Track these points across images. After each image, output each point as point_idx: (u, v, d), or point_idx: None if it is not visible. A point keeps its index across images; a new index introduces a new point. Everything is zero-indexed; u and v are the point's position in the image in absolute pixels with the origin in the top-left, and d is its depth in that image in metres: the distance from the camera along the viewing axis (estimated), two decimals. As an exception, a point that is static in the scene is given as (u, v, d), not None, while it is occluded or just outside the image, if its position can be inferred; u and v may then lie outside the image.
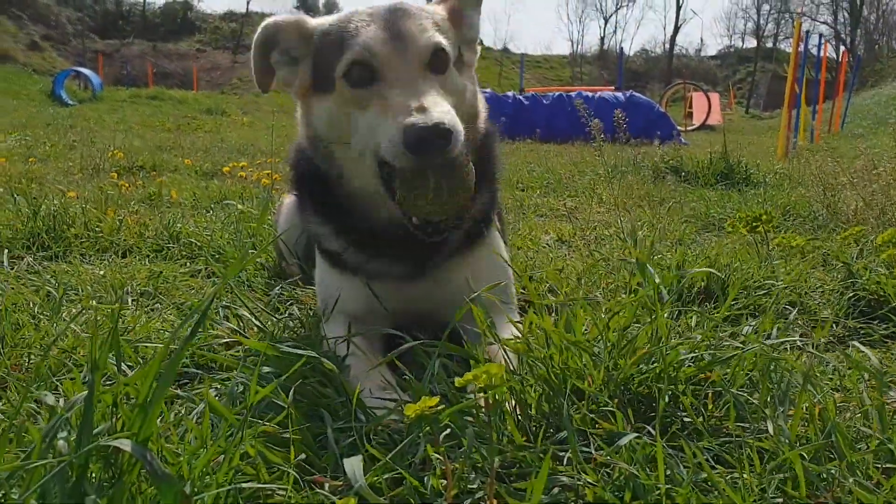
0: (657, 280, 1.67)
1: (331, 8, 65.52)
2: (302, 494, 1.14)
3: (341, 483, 1.17)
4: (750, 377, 1.52)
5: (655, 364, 1.44)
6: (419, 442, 1.21)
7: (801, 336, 2.05)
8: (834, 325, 2.13)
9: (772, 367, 1.48)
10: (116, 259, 2.97)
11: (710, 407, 1.43)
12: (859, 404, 1.45)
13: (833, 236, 3.25)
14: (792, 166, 6.26)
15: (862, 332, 2.12)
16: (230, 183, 5.39)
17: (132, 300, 2.35)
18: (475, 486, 1.16)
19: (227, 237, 3.21)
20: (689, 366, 1.48)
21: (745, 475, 1.17)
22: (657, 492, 1.12)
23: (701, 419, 1.37)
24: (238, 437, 1.09)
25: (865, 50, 50.12)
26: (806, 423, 1.33)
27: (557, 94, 15.05)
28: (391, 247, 1.76)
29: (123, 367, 1.51)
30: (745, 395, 1.43)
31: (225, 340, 1.82)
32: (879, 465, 1.22)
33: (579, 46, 74.18)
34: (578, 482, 1.16)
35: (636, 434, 1.22)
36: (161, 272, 2.66)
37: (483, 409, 1.24)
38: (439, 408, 1.12)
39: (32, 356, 1.75)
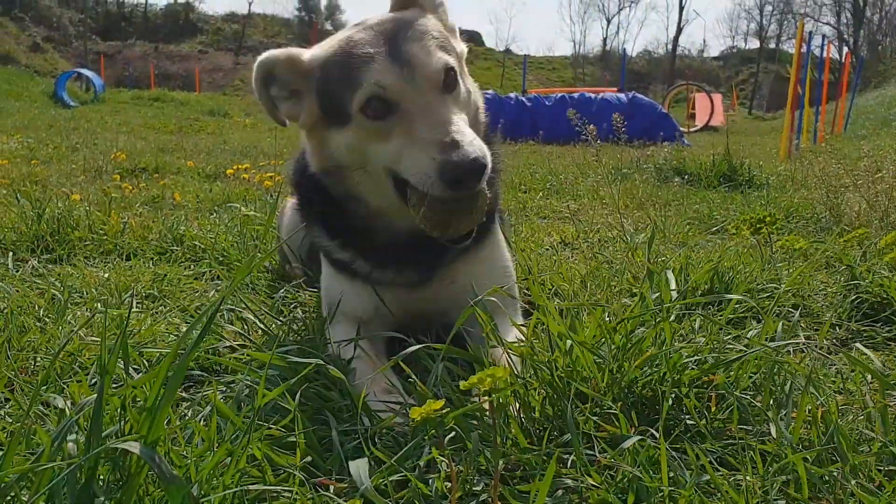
0: (673, 287, 1.67)
1: (332, 10, 65.64)
2: (308, 497, 1.15)
3: (347, 485, 1.17)
4: (753, 380, 1.52)
5: (659, 367, 1.45)
6: (424, 445, 1.22)
7: (804, 339, 2.05)
8: (837, 328, 2.13)
9: (775, 369, 1.49)
10: (120, 262, 2.98)
11: (713, 409, 1.43)
12: (862, 407, 1.45)
13: (836, 239, 3.25)
14: (795, 168, 6.25)
15: (865, 334, 2.12)
16: (233, 185, 5.40)
17: (137, 303, 2.36)
18: (479, 488, 1.17)
19: (230, 240, 3.22)
20: (693, 368, 1.49)
21: (747, 477, 1.18)
22: (660, 494, 1.13)
23: (704, 422, 1.38)
24: (244, 440, 1.10)
25: (868, 51, 50.06)
26: (808, 426, 1.34)
27: (560, 95, 15.04)
28: (401, 256, 1.77)
29: (130, 370, 1.52)
30: (749, 397, 1.43)
31: (230, 344, 1.83)
32: (882, 468, 1.22)
33: (581, 47, 74.33)
34: (582, 485, 1.16)
35: (640, 437, 1.23)
36: (165, 275, 2.67)
37: (487, 413, 1.24)
38: (444, 411, 1.13)
39: (39, 359, 1.76)
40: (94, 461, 0.94)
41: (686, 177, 6.06)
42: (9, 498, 0.96)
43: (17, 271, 2.68)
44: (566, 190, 5.80)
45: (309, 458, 1.21)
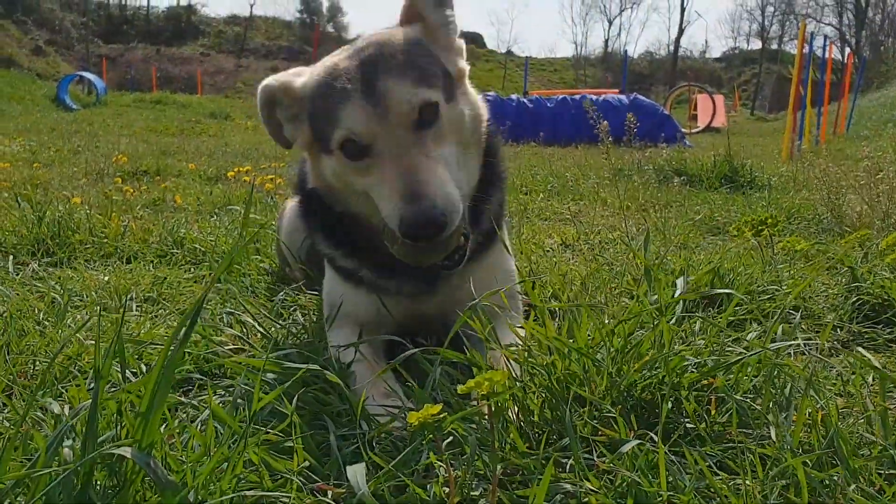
0: (678, 289, 1.66)
1: (334, 13, 65.71)
2: (305, 502, 1.14)
3: (344, 490, 1.17)
4: (753, 383, 1.52)
5: (659, 370, 1.45)
6: (422, 449, 1.21)
7: (804, 340, 2.05)
8: (838, 330, 2.12)
9: (775, 372, 1.48)
10: (121, 265, 2.98)
11: (712, 413, 1.42)
12: (862, 410, 1.45)
13: (837, 240, 3.24)
14: (797, 169, 6.24)
15: (866, 336, 2.12)
16: (234, 188, 5.41)
17: (136, 306, 2.36)
18: (478, 493, 1.17)
19: (231, 243, 3.22)
20: (693, 371, 1.48)
21: (747, 481, 1.17)
22: (660, 499, 1.12)
23: (704, 425, 1.37)
24: (241, 445, 1.10)
25: (871, 51, 50.00)
26: (809, 429, 1.33)
27: (561, 97, 15.04)
28: (406, 267, 1.77)
29: (128, 373, 1.52)
30: (748, 401, 1.42)
31: (230, 347, 1.83)
32: (882, 472, 1.22)
33: (583, 49, 74.32)
34: (581, 489, 1.16)
35: (639, 441, 1.22)
36: (165, 278, 2.67)
37: (486, 417, 1.24)
38: (442, 415, 1.12)
39: (38, 363, 1.76)
40: (89, 467, 0.94)
41: (687, 178, 6.05)
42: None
43: (18, 274, 2.69)
44: (567, 190, 5.79)
45: (307, 463, 1.21)
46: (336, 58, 1.72)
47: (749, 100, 52.45)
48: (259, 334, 1.95)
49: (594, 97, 14.47)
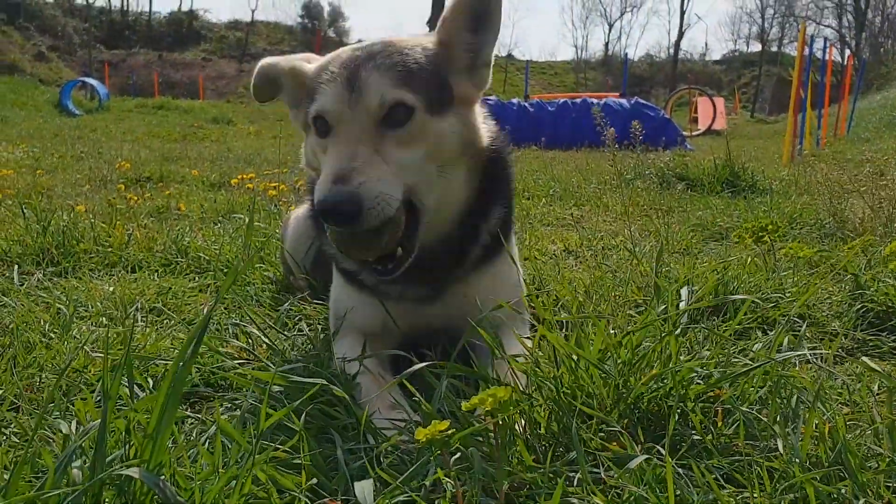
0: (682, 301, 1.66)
1: (335, 17, 65.79)
2: (313, 518, 1.14)
3: (352, 506, 1.17)
4: (759, 394, 1.52)
5: (665, 382, 1.44)
6: (429, 465, 1.21)
7: (810, 349, 2.04)
8: (843, 338, 2.12)
9: (781, 383, 1.48)
10: (125, 274, 2.99)
11: (719, 425, 1.42)
12: (870, 421, 1.44)
13: (840, 245, 3.24)
14: (798, 172, 6.24)
15: (871, 343, 2.12)
16: (238, 194, 5.41)
17: (141, 317, 2.36)
18: (485, 508, 1.16)
19: (235, 251, 3.22)
20: (699, 383, 1.48)
21: (755, 495, 1.17)
22: (668, 514, 1.12)
23: (710, 437, 1.37)
24: (249, 463, 1.10)
25: (870, 53, 49.97)
26: (816, 442, 1.33)
27: (562, 101, 15.05)
28: (409, 270, 1.77)
29: (136, 387, 1.52)
30: (755, 412, 1.42)
31: (236, 360, 1.83)
32: (890, 485, 1.21)
33: (583, 52, 74.35)
34: (589, 504, 1.16)
35: (646, 456, 1.22)
36: (170, 288, 2.67)
37: (492, 432, 1.24)
38: (449, 431, 1.12)
39: (45, 376, 1.76)
40: (98, 487, 0.94)
41: (689, 182, 6.05)
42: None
43: (23, 285, 2.69)
44: (569, 195, 5.79)
45: (314, 480, 1.21)
46: (347, 48, 1.78)
47: (749, 102, 52.41)
48: (265, 345, 1.95)
49: (595, 101, 14.49)
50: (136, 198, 4.83)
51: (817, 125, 11.57)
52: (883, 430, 1.35)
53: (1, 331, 2.07)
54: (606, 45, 71.29)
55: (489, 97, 16.29)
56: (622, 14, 72.46)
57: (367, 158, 1.54)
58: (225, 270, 2.97)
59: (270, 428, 1.32)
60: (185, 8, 60.88)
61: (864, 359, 1.67)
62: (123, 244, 3.31)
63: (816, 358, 1.89)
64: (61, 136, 12.91)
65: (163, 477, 0.98)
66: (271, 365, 1.68)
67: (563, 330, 1.80)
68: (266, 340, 1.94)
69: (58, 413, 1.48)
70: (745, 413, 1.39)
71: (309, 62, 1.84)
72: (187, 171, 7.26)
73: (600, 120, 3.70)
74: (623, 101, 14.71)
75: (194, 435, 1.37)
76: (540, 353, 1.54)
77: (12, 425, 1.47)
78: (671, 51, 65.25)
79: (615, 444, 1.31)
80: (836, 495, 1.17)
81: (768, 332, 2.11)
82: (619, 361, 1.49)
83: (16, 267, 2.89)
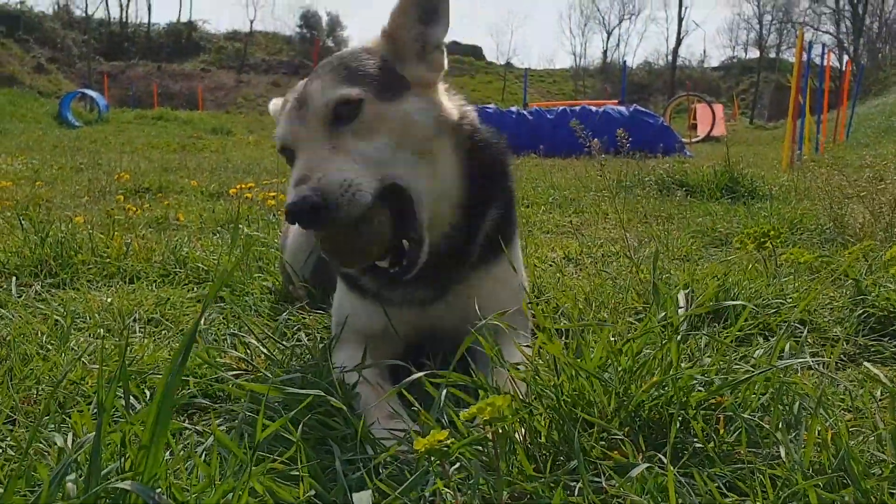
0: (681, 306, 1.66)
1: (334, 27, 66.03)
2: (311, 530, 1.13)
3: (351, 518, 1.16)
4: (761, 401, 1.50)
5: (666, 389, 1.43)
6: (429, 475, 1.20)
7: (811, 355, 2.03)
8: (844, 343, 2.11)
9: (783, 389, 1.47)
10: (124, 285, 2.98)
11: (721, 432, 1.41)
12: (873, 427, 1.43)
13: (841, 250, 3.23)
14: (797, 178, 6.24)
15: (872, 349, 2.11)
16: (237, 204, 5.41)
17: (139, 328, 2.35)
18: (485, 518, 1.15)
19: (233, 262, 3.21)
20: (700, 390, 1.47)
21: (757, 503, 1.16)
22: (670, 523, 1.11)
23: (712, 445, 1.36)
24: (246, 474, 1.09)
25: (868, 59, 50.11)
26: (819, 448, 1.32)
27: (561, 108, 15.07)
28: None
29: (132, 399, 1.51)
30: (757, 419, 1.41)
31: (234, 371, 1.82)
32: (894, 492, 1.20)
33: (582, 60, 74.63)
34: (590, 514, 1.14)
35: (648, 464, 1.21)
36: (168, 298, 2.66)
37: (491, 441, 1.23)
38: (448, 441, 1.11)
39: (42, 388, 1.75)
40: (92, 501, 0.93)
41: (688, 189, 6.05)
42: (8, 537, 0.95)
43: (20, 296, 2.68)
44: (569, 203, 5.79)
45: (312, 492, 1.20)
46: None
47: (748, 108, 52.52)
48: (263, 356, 1.94)
49: (594, 109, 14.52)
50: (134, 209, 4.83)
51: (816, 131, 11.58)
52: (886, 437, 1.34)
53: (-2, 343, 2.06)
54: (605, 52, 71.62)
55: (487, 105, 16.34)
56: (620, 21, 72.62)
57: (325, 156, 1.55)
58: (221, 282, 2.96)
59: (268, 439, 1.31)
60: (183, 19, 61.14)
61: (867, 364, 1.66)
62: (122, 255, 3.31)
63: (818, 364, 1.87)
64: (60, 147, 12.94)
65: (158, 490, 0.97)
66: (269, 375, 1.67)
67: (564, 337, 1.79)
68: (264, 351, 1.93)
69: (53, 426, 1.47)
70: (747, 420, 1.38)
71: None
72: (186, 181, 7.27)
73: (581, 132, 3.66)
74: (622, 108, 14.73)
75: (191, 446, 1.36)
76: (540, 362, 1.53)
77: (8, 438, 1.46)
78: (669, 58, 65.48)
79: (616, 452, 1.30)
80: (839, 503, 1.16)
81: (769, 338, 2.10)
82: (619, 369, 1.48)
83: (14, 278, 2.88)
